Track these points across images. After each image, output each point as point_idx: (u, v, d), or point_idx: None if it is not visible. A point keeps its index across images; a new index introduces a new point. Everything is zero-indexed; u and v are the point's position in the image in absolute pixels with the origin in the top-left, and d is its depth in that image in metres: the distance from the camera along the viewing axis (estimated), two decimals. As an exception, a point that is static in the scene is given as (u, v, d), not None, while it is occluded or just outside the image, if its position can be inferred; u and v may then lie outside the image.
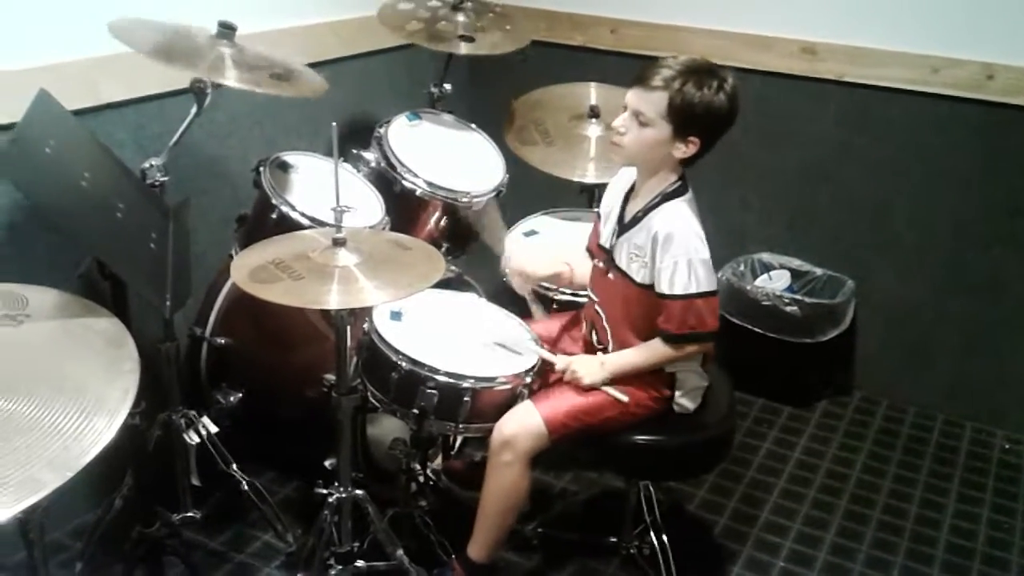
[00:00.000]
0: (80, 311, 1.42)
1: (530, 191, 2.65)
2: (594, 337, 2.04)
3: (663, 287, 1.85)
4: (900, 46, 2.81)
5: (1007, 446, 2.92)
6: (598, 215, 2.10)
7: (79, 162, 1.70)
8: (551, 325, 2.21)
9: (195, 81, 1.90)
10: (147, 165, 1.91)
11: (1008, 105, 2.71)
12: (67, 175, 1.62)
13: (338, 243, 1.67)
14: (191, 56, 1.89)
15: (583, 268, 2.13)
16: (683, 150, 1.84)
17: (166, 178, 1.92)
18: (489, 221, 2.47)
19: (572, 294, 2.30)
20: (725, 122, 1.84)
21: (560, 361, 1.98)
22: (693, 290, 1.83)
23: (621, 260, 1.95)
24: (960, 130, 2.82)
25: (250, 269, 1.61)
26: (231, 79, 1.87)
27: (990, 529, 2.53)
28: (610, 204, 2.05)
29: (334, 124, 1.68)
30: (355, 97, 2.93)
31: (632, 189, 1.98)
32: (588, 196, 2.70)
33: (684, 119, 1.80)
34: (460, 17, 2.64)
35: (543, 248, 2.50)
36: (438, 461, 2.39)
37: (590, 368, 1.94)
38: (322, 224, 2.03)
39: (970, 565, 2.39)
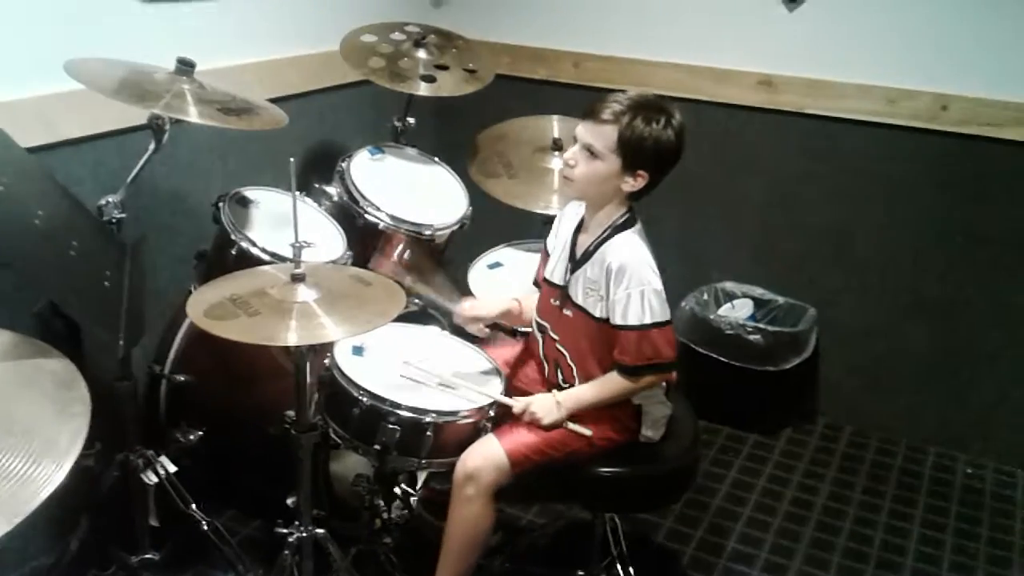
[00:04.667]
0: (30, 352, 1.40)
1: (494, 224, 2.66)
2: (559, 376, 2.03)
3: (617, 319, 1.85)
4: (856, 78, 2.87)
5: (969, 471, 2.95)
6: (544, 249, 2.11)
7: (33, 200, 1.68)
8: (510, 354, 2.20)
9: (153, 117, 1.90)
10: (104, 202, 1.91)
11: (962, 135, 2.77)
12: (20, 213, 1.60)
13: (297, 279, 1.66)
14: (152, 94, 1.88)
15: (530, 302, 2.14)
16: (631, 183, 1.86)
17: (123, 215, 1.91)
18: (433, 280, 2.39)
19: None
20: (672, 157, 1.86)
21: (518, 404, 1.95)
22: (647, 321, 1.83)
23: (577, 296, 1.95)
24: (917, 160, 2.88)
25: (206, 305, 1.59)
26: (193, 115, 1.87)
27: (954, 555, 2.55)
28: (559, 240, 2.06)
29: (292, 159, 1.67)
30: (318, 131, 2.94)
31: (581, 224, 1.99)
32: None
33: (633, 153, 1.82)
34: (422, 53, 2.65)
35: (492, 285, 2.49)
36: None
37: (547, 408, 1.92)
38: (283, 260, 2.03)
39: (935, 591, 2.42)
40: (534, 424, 1.92)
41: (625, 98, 1.84)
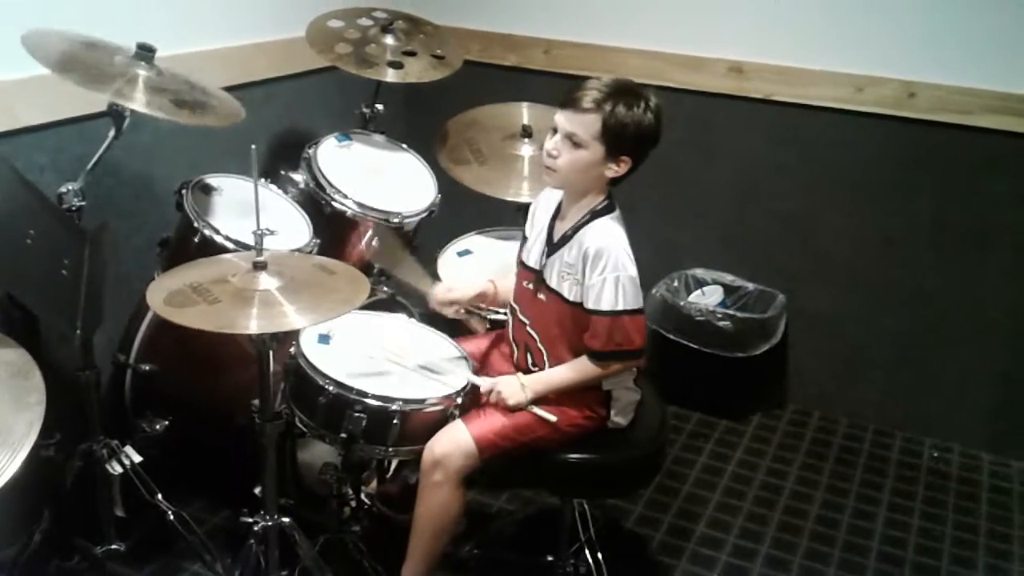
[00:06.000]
0: (-16, 342, 1.38)
1: (463, 211, 2.65)
2: (529, 359, 2.04)
3: (590, 303, 1.86)
4: (825, 65, 2.87)
5: (935, 455, 2.99)
6: (524, 235, 2.11)
7: (-12, 188, 1.66)
8: (481, 344, 2.20)
9: (112, 104, 1.87)
10: (64, 190, 1.88)
11: (929, 122, 2.79)
12: (-25, 202, 1.58)
13: (259, 267, 1.65)
14: (101, 76, 1.84)
15: (505, 283, 2.15)
16: (615, 170, 1.86)
17: (83, 202, 1.88)
18: (403, 265, 2.38)
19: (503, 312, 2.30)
20: (653, 140, 1.87)
21: (485, 383, 1.97)
22: (620, 307, 1.84)
23: (552, 279, 1.95)
24: (885, 147, 2.89)
25: (166, 293, 1.58)
26: (139, 104, 1.83)
27: (920, 538, 2.58)
28: (536, 225, 2.05)
29: (253, 146, 1.66)
30: (285, 118, 2.91)
31: (559, 210, 1.99)
32: (525, 215, 2.69)
33: (616, 139, 1.82)
34: (389, 39, 2.63)
35: (462, 272, 2.50)
36: (373, 485, 2.36)
37: (513, 390, 1.93)
38: (246, 247, 2.01)
39: (901, 574, 2.43)
40: (499, 405, 1.93)
41: (603, 85, 1.83)
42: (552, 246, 1.96)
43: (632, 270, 1.86)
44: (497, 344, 2.20)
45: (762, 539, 2.54)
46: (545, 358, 2.00)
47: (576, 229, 1.91)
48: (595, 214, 1.91)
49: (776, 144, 3.03)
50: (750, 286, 3.14)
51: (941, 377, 3.00)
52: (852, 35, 2.83)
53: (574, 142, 1.84)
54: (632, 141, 1.83)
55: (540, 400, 1.94)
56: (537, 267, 2.00)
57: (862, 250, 3.00)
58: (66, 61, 1.82)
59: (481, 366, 2.13)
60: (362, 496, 2.19)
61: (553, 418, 1.92)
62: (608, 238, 1.87)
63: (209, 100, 2.01)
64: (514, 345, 2.08)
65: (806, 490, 2.77)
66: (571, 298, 1.91)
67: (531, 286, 2.01)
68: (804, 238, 3.08)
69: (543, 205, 2.06)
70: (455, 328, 2.26)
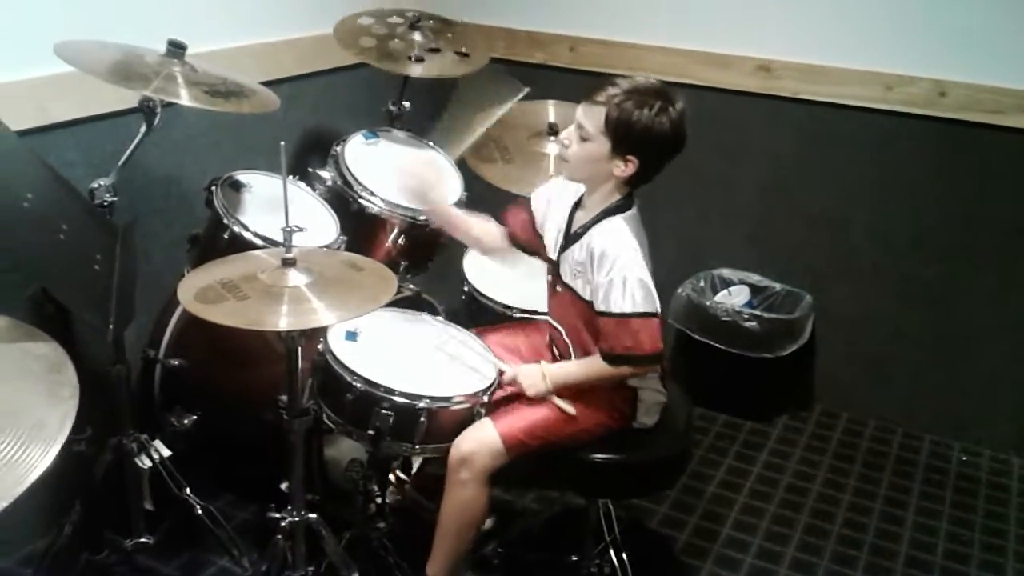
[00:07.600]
0: (19, 336, 1.39)
1: (489, 209, 2.64)
2: (556, 353, 2.04)
3: (599, 305, 1.84)
4: (854, 64, 2.85)
5: (964, 458, 2.95)
6: (527, 201, 2.12)
7: (22, 183, 1.67)
8: (507, 338, 2.20)
9: (144, 100, 1.89)
10: (96, 185, 1.89)
11: (960, 121, 2.76)
12: (8, 196, 1.59)
13: (287, 263, 1.66)
14: (141, 76, 1.87)
15: (482, 226, 2.21)
16: (621, 168, 1.83)
17: (115, 198, 1.90)
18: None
19: (532, 311, 2.32)
20: (665, 146, 1.82)
21: (508, 371, 1.97)
22: (628, 309, 1.80)
23: (566, 275, 1.95)
24: (914, 146, 2.86)
25: (196, 289, 1.59)
26: (183, 98, 1.86)
27: (949, 542, 2.55)
28: (556, 212, 2.03)
29: (282, 144, 1.66)
30: (313, 115, 2.92)
31: (579, 202, 1.98)
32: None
33: (621, 136, 1.80)
34: (416, 36, 2.63)
35: (490, 270, 2.52)
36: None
37: (533, 379, 1.93)
38: (275, 244, 2.01)
39: (929, 578, 2.42)
40: (520, 392, 1.93)
41: (625, 81, 1.81)
42: (567, 239, 1.96)
43: (641, 272, 1.82)
44: (524, 337, 2.20)
45: (788, 542, 2.52)
46: (571, 349, 1.99)
47: (587, 227, 1.90)
48: (607, 212, 1.89)
49: (804, 143, 3.01)
50: (777, 286, 3.11)
51: (970, 379, 2.96)
52: (881, 33, 2.81)
53: (582, 135, 1.84)
54: (639, 141, 1.80)
55: (560, 392, 1.93)
56: (555, 259, 1.99)
57: (890, 250, 2.98)
58: (103, 66, 1.85)
59: (507, 360, 2.12)
60: (400, 483, 2.19)
61: (573, 410, 1.92)
62: (614, 238, 1.84)
63: (244, 90, 2.03)
64: (550, 340, 2.08)
65: (833, 493, 2.75)
66: (585, 296, 1.90)
67: (551, 278, 2.02)
68: (832, 238, 3.05)
69: (566, 192, 2.03)
70: (479, 322, 2.26)
